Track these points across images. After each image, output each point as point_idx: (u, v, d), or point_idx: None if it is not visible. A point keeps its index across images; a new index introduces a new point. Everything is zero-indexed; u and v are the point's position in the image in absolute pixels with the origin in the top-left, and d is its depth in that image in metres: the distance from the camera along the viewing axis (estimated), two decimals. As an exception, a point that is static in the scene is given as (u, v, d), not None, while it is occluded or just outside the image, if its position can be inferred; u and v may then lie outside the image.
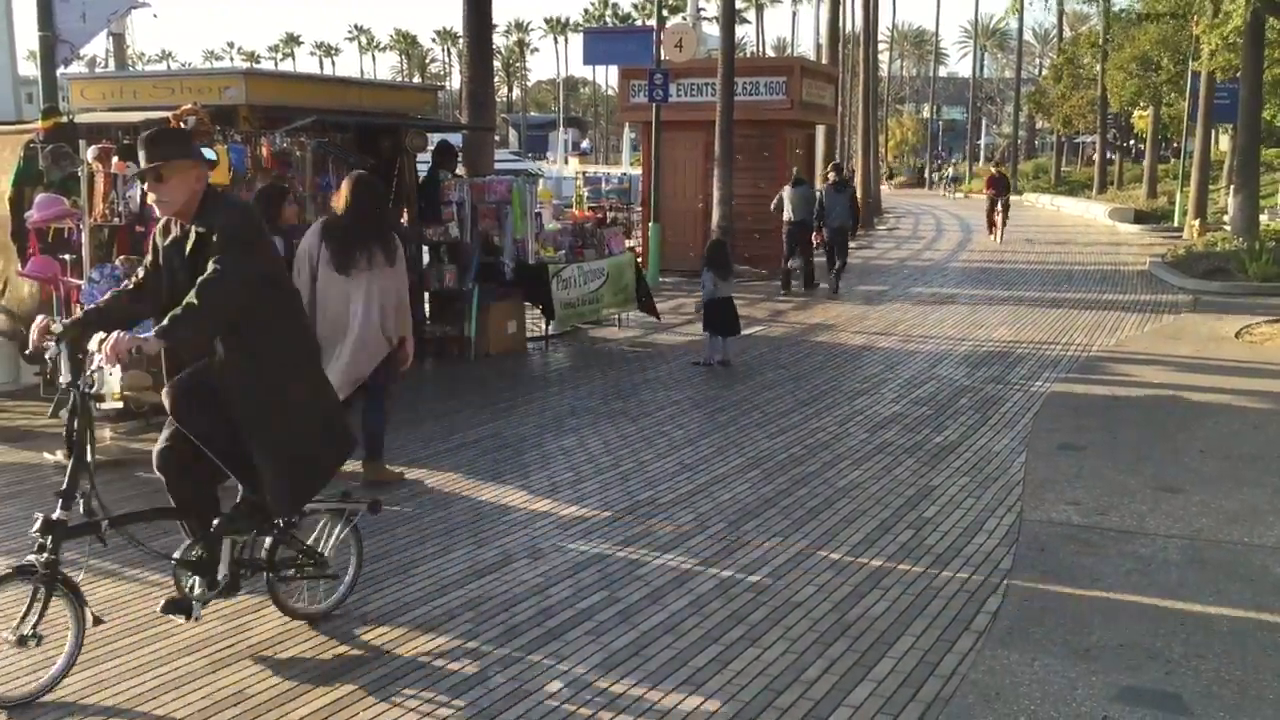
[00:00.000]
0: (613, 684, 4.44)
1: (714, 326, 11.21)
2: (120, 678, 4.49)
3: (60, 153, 8.32)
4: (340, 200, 6.85)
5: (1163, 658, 4.66)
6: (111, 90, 10.55)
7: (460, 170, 12.82)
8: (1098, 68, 40.33)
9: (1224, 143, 36.52)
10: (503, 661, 4.63)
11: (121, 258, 8.10)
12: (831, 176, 18.22)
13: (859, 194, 21.76)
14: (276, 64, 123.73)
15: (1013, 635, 4.89)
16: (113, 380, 7.36)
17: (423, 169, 12.46)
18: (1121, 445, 8.02)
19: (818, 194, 17.43)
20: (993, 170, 29.11)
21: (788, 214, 17.13)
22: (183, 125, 8.28)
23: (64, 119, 9.04)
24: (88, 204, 7.88)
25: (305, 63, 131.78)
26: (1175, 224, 29.00)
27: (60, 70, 9.61)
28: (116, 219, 8.01)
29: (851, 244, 18.22)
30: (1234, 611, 5.13)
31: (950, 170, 62.57)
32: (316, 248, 6.83)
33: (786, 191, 17.39)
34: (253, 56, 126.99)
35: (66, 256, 8.22)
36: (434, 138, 13.14)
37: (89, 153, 7.95)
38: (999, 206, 26.77)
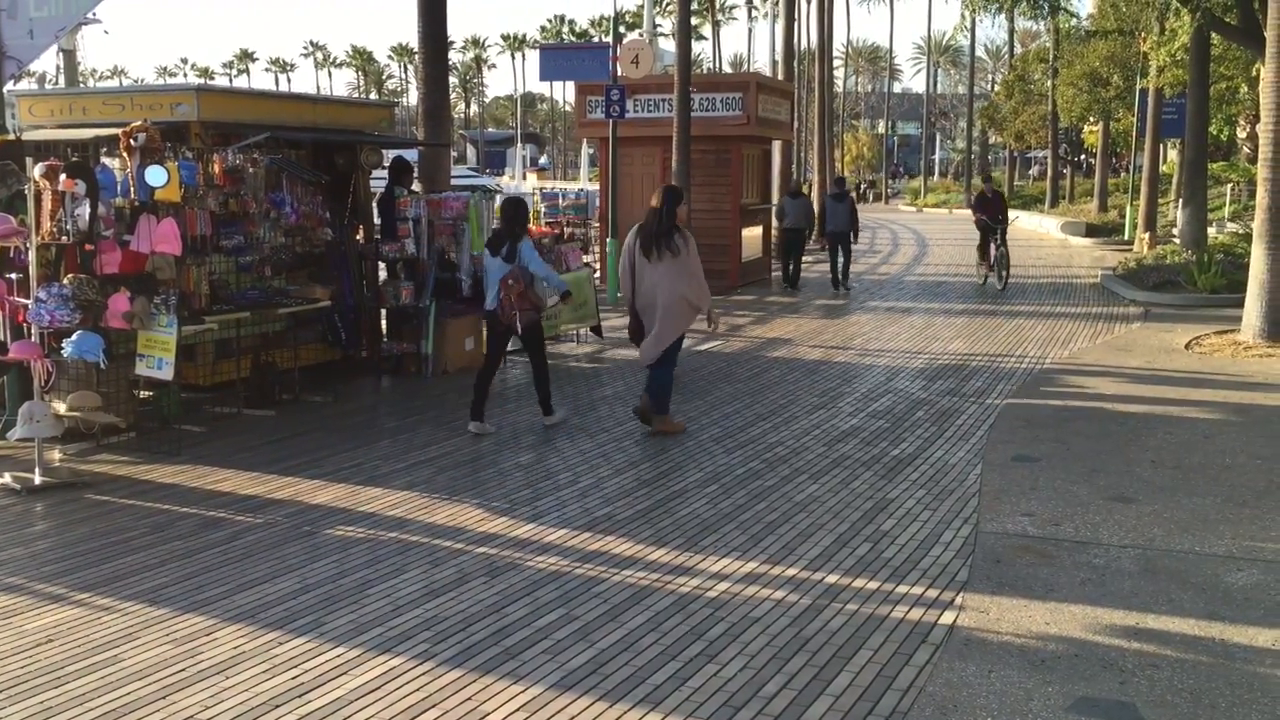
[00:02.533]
0: (570, 703, 4.41)
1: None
2: (67, 705, 4.39)
3: (6, 170, 8.19)
4: (655, 205, 8.83)
5: (1117, 667, 4.70)
6: (60, 107, 10.42)
7: (416, 186, 12.77)
8: (1048, 84, 40.91)
9: (1172, 157, 37.15)
10: (459, 683, 4.59)
11: (70, 276, 7.99)
12: (833, 189, 21.35)
13: (816, 207, 24.10)
14: (231, 80, 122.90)
15: (969, 647, 4.92)
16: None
17: (378, 185, 12.41)
18: (1075, 456, 8.11)
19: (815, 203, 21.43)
20: (984, 187, 20.69)
21: (787, 221, 19.94)
22: (133, 142, 8.20)
23: (10, 136, 8.91)
24: (34, 222, 7.75)
25: (261, 79, 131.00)
26: (1126, 237, 29.43)
27: (8, 87, 9.47)
28: (64, 238, 7.89)
29: (854, 246, 20.68)
30: (1186, 620, 5.18)
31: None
32: (633, 243, 8.79)
33: (786, 202, 20.32)
34: (207, 73, 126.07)
35: (13, 275, 8.09)
36: (389, 154, 13.09)
37: (35, 170, 7.83)
38: (996, 239, 19.12)
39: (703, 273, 8.90)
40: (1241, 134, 34.39)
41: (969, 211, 24.65)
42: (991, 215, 19.15)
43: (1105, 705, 4.37)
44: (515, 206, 9.16)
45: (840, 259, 19.36)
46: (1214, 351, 12.51)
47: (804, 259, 21.32)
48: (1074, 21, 30.12)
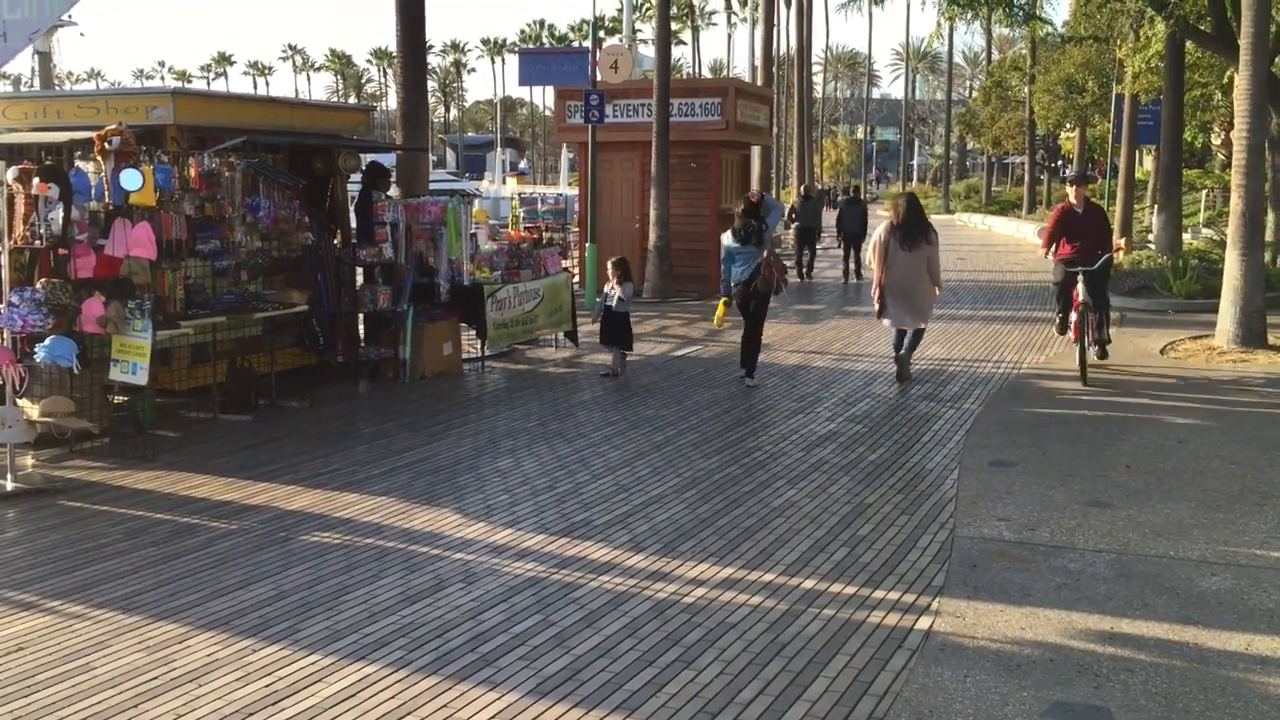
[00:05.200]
0: (546, 710, 4.39)
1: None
2: (37, 714, 4.35)
3: (-21, 173, 8.12)
4: (898, 211, 11.32)
5: (1091, 671, 4.72)
6: (34, 110, 10.34)
7: (394, 190, 12.72)
8: (1025, 90, 41.16)
9: (1148, 163, 37.41)
10: (434, 690, 4.57)
11: (43, 280, 7.93)
12: (849, 196, 24.86)
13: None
14: (209, 83, 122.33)
15: (945, 652, 4.93)
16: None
17: (357, 189, 12.36)
18: (1050, 461, 8.15)
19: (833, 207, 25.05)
20: (1071, 194, 11.86)
21: (801, 221, 23.11)
22: (107, 145, 8.15)
23: (-18, 139, 8.83)
24: (7, 226, 7.69)
25: (238, 82, 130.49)
26: (1102, 243, 29.56)
27: (-20, 89, 9.41)
28: (38, 242, 7.83)
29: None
30: (1160, 624, 5.21)
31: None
32: (887, 235, 11.19)
33: (799, 204, 24.06)
34: (184, 76, 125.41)
35: (-15, 280, 8.01)
36: (367, 157, 13.03)
37: (8, 174, 7.76)
38: (1080, 288, 11.20)
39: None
40: (1216, 141, 34.70)
41: (1034, 236, 14.86)
42: (1086, 248, 11.29)
43: (1080, 709, 4.39)
44: (752, 205, 11.45)
45: (853, 255, 22.33)
46: (1189, 356, 12.60)
47: (816, 248, 24.47)
48: (1048, 29, 30.32)
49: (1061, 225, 11.71)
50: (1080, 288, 11.35)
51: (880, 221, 12.57)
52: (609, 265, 12.11)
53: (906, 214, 11.18)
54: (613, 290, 11.82)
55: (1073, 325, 11.61)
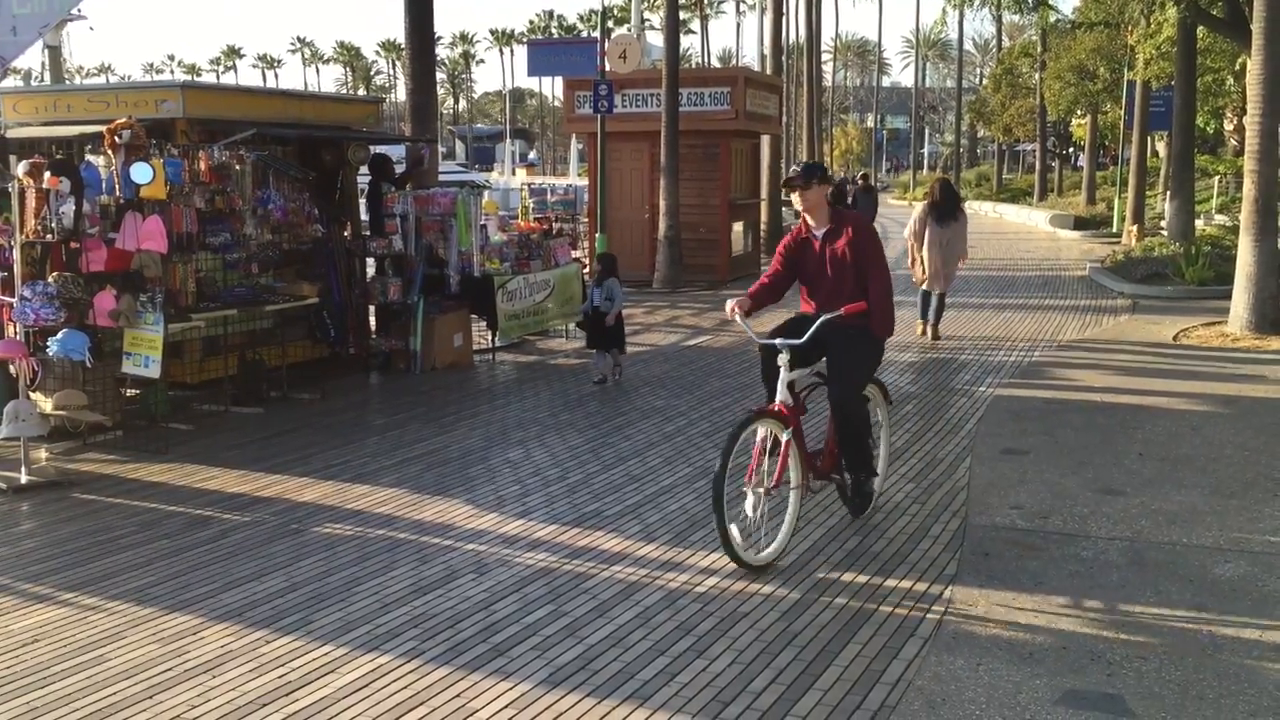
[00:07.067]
0: (559, 700, 4.40)
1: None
2: (53, 705, 4.37)
3: (-10, 168, 8.14)
4: (936, 192, 13.14)
5: (1105, 659, 4.71)
6: (45, 104, 10.36)
7: (399, 166, 12.72)
8: (1036, 77, 40.94)
9: (1160, 150, 37.21)
10: (446, 680, 4.58)
11: (55, 274, 7.95)
12: (862, 184, 25.55)
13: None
14: (218, 77, 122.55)
15: (957, 640, 4.92)
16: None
17: (363, 181, 12.37)
18: (1063, 449, 8.12)
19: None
20: (796, 205, 6.28)
21: None
22: (117, 139, 8.16)
23: (-6, 133, 8.85)
24: (19, 220, 7.71)
25: (247, 75, 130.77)
26: (1114, 230, 29.48)
27: (-9, 84, 9.43)
28: (49, 235, 7.85)
29: None
30: (1174, 612, 5.20)
31: None
32: (925, 213, 12.98)
33: None
34: (194, 69, 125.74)
35: (-2, 274, 8.05)
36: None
37: (20, 168, 7.78)
38: (785, 372, 6.03)
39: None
40: (1228, 126, 34.50)
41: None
42: (833, 301, 6.20)
43: (1093, 697, 4.38)
44: (839, 192, 14.00)
45: None
46: (1202, 343, 12.55)
47: None
48: (1054, 17, 30.19)
49: (789, 263, 6.42)
50: (784, 374, 6.07)
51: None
52: (595, 261, 11.95)
53: (942, 194, 12.98)
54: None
55: (756, 444, 5.82)
